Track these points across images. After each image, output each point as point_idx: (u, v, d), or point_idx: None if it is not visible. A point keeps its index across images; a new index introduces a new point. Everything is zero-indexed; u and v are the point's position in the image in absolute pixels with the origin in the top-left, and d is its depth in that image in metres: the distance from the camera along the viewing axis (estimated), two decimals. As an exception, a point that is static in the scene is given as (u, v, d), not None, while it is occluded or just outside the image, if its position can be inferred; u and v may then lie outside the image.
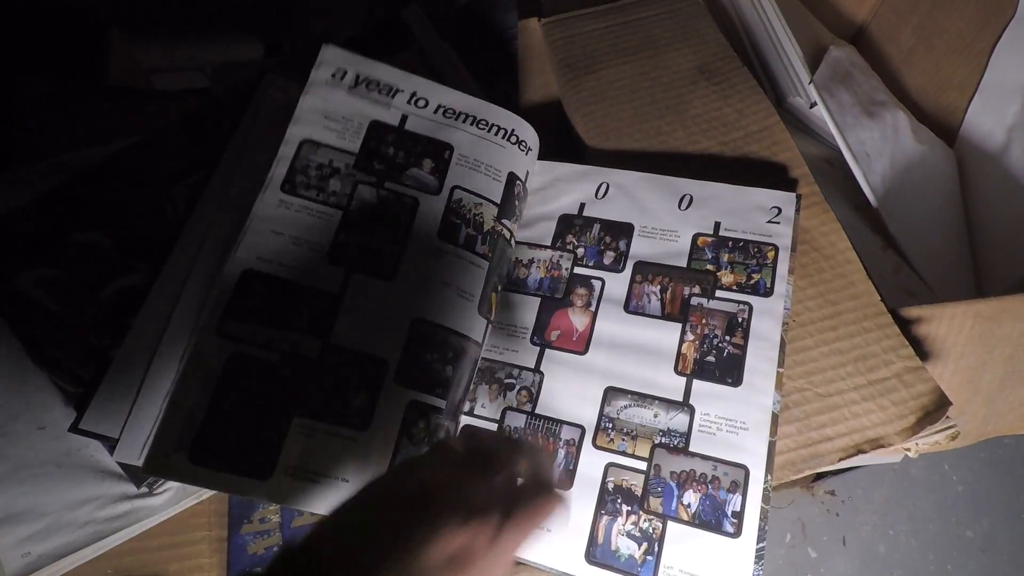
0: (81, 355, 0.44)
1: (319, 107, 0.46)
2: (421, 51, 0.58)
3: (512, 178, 0.48)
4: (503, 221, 0.47)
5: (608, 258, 0.48)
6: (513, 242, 0.48)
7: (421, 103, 0.48)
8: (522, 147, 0.49)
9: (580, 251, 0.49)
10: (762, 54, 0.63)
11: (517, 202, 0.48)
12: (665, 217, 0.49)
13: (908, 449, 0.43)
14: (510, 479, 0.31)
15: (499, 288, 0.46)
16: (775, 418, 0.41)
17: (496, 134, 0.49)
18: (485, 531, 0.27)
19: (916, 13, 0.74)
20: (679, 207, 0.49)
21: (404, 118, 0.47)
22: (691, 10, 0.61)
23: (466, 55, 0.59)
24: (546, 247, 0.50)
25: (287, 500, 0.37)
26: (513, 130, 0.49)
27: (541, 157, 0.53)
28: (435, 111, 0.48)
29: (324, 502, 0.37)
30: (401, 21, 0.58)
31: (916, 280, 0.59)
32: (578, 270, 0.48)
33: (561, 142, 0.58)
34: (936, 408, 0.42)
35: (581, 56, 0.59)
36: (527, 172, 0.50)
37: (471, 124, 0.48)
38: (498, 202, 0.47)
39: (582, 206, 0.51)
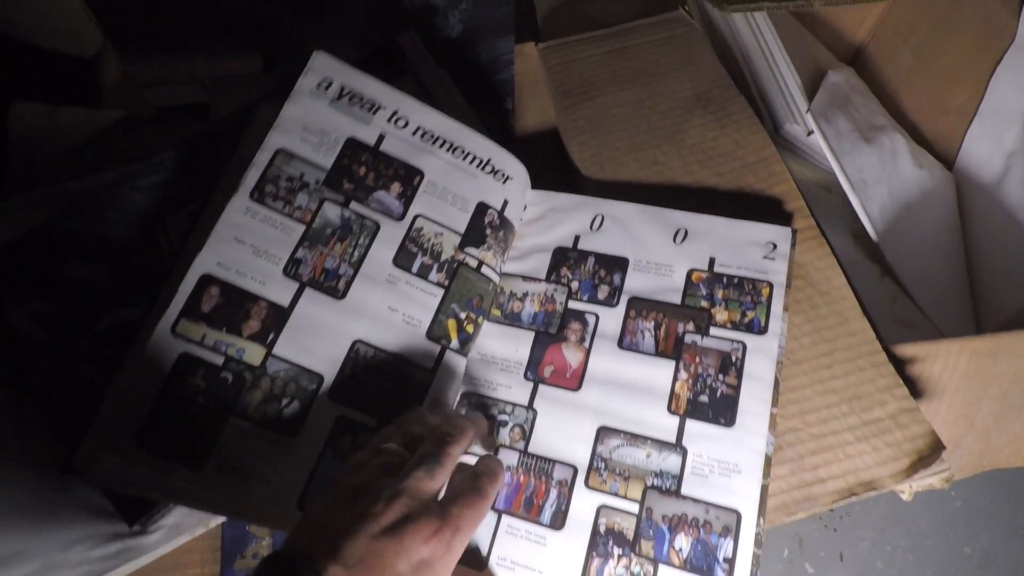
0: (75, 391, 0.43)
1: (300, 117, 0.47)
2: (416, 77, 0.57)
3: (482, 208, 0.49)
4: (468, 250, 0.47)
5: (602, 292, 0.48)
6: (492, 270, 0.49)
7: (401, 123, 0.49)
8: (498, 176, 0.50)
9: (574, 285, 0.49)
10: (760, 80, 0.63)
11: (490, 231, 0.49)
12: (659, 251, 0.49)
13: (902, 491, 0.43)
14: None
15: (464, 315, 0.46)
16: (768, 460, 0.41)
17: (471, 163, 0.49)
18: (406, 508, 0.34)
19: (915, 35, 0.73)
20: (674, 241, 0.49)
21: (381, 137, 0.48)
22: (689, 36, 0.61)
23: (462, 81, 0.59)
24: (540, 280, 0.50)
25: (215, 492, 0.40)
26: (489, 159, 0.50)
27: (538, 186, 0.53)
28: (414, 133, 0.49)
29: (248, 501, 0.40)
30: (397, 47, 0.58)
31: (913, 309, 0.59)
32: (572, 304, 0.48)
33: (558, 168, 0.58)
34: (930, 452, 0.42)
35: (578, 82, 0.59)
36: (505, 201, 0.50)
37: (447, 151, 0.49)
38: (462, 232, 0.48)
39: (577, 238, 0.51)
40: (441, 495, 0.37)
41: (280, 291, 0.43)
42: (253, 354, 0.42)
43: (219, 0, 0.92)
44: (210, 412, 0.41)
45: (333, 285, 0.44)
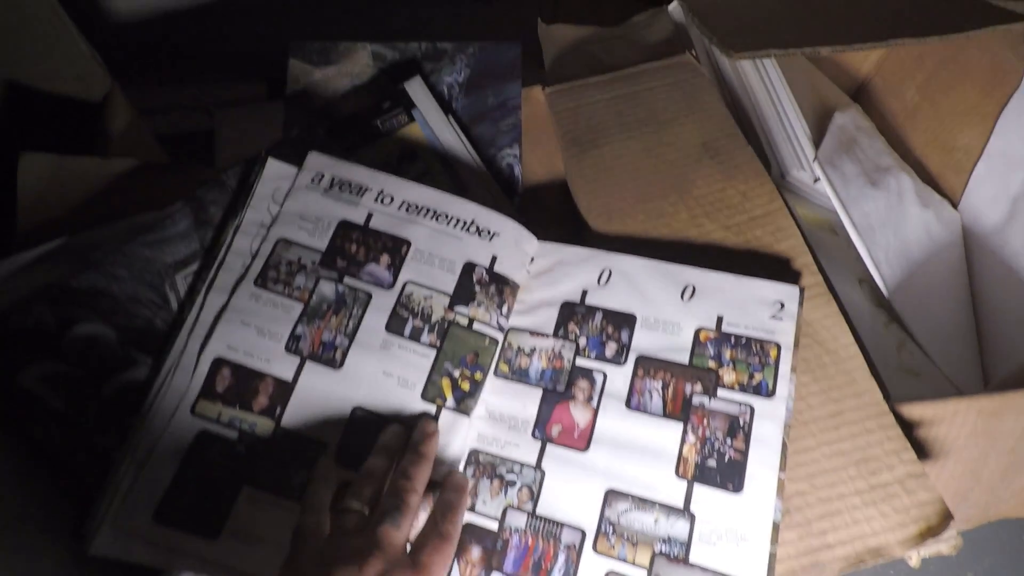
0: (85, 456, 0.44)
1: (297, 210, 0.51)
2: (424, 124, 0.58)
3: (469, 267, 0.51)
4: (457, 308, 0.49)
5: (610, 350, 0.48)
6: (486, 325, 0.49)
7: (387, 200, 0.52)
8: (483, 235, 0.52)
9: (582, 341, 0.49)
10: (767, 125, 0.63)
11: (480, 287, 0.50)
12: (667, 308, 0.49)
13: (910, 557, 0.43)
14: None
15: (458, 372, 0.47)
16: (776, 527, 0.41)
17: (455, 226, 0.52)
18: (380, 566, 0.36)
19: (921, 70, 0.73)
20: (681, 298, 0.49)
21: (370, 215, 0.51)
22: (696, 82, 0.61)
23: (469, 126, 0.59)
24: (548, 336, 0.50)
25: (230, 559, 0.42)
26: (473, 220, 0.52)
27: (547, 234, 0.53)
28: (399, 207, 0.52)
29: (264, 564, 0.42)
30: (403, 93, 0.58)
31: (920, 356, 0.59)
32: (580, 362, 0.48)
33: (567, 215, 0.58)
34: (939, 521, 0.42)
35: (585, 129, 0.59)
36: (493, 257, 0.51)
37: (431, 218, 0.52)
38: (450, 292, 0.50)
39: (584, 293, 0.51)
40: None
41: (283, 367, 0.46)
42: (263, 427, 0.45)
43: (224, 29, 0.92)
44: (225, 484, 0.43)
45: (331, 356, 0.47)
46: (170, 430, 0.44)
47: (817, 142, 0.62)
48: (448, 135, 0.58)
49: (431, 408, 0.46)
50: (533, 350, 0.49)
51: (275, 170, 0.52)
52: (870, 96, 0.79)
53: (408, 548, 0.39)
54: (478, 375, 0.48)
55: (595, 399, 0.47)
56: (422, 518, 0.42)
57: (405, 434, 0.45)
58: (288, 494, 0.43)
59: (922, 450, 0.46)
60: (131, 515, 0.42)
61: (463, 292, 0.50)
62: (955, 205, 0.71)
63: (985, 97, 0.67)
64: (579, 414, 0.47)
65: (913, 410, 0.46)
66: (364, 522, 0.39)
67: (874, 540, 0.42)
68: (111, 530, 0.41)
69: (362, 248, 0.50)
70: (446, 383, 0.47)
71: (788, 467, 0.44)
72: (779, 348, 0.46)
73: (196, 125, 0.97)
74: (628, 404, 0.46)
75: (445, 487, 0.43)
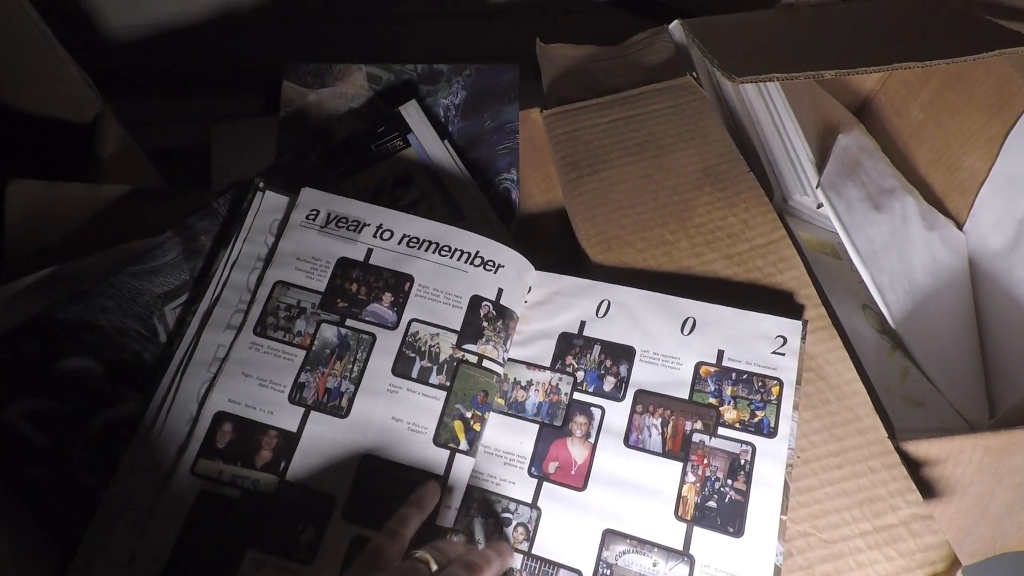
0: (70, 495, 0.43)
1: (293, 250, 0.49)
2: (419, 148, 0.56)
3: (476, 301, 0.49)
4: (466, 347, 0.47)
5: (608, 384, 0.47)
6: (495, 362, 0.48)
7: (387, 235, 0.50)
8: (489, 267, 0.50)
9: (580, 375, 0.48)
10: (770, 150, 0.61)
11: (487, 323, 0.48)
12: (667, 342, 0.48)
13: (915, 603, 0.42)
14: None
15: (470, 413, 0.46)
16: (778, 571, 0.40)
17: (459, 259, 0.50)
18: None
19: (925, 90, 0.72)
20: (681, 331, 0.48)
21: (369, 252, 0.49)
22: (697, 105, 0.60)
23: (466, 150, 0.58)
24: (545, 368, 0.49)
25: None
26: (477, 251, 0.50)
27: (544, 261, 0.52)
28: (399, 242, 0.50)
29: None
30: (399, 116, 0.57)
31: (925, 384, 0.58)
32: (578, 396, 0.47)
33: (565, 242, 0.57)
34: (946, 567, 0.41)
35: (583, 153, 0.58)
36: (499, 290, 0.50)
37: (433, 252, 0.50)
38: (458, 329, 0.48)
39: (582, 324, 0.50)
40: None
41: (287, 418, 0.44)
42: (267, 484, 0.43)
43: (221, 43, 0.92)
44: (228, 548, 0.41)
45: (336, 404, 0.45)
46: (170, 491, 0.42)
47: (820, 163, 0.61)
48: (444, 160, 0.57)
49: (444, 454, 0.44)
50: (530, 383, 0.48)
51: (273, 202, 0.51)
52: (874, 113, 0.78)
53: None
54: (487, 415, 0.47)
55: (593, 435, 0.46)
56: None
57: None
58: (295, 556, 0.41)
59: (928, 488, 0.45)
60: None
61: (471, 328, 0.48)
62: (960, 226, 0.70)
63: (991, 118, 0.66)
64: (576, 451, 0.46)
65: (919, 448, 0.45)
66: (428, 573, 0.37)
67: (878, 585, 0.41)
68: None
69: (363, 287, 0.48)
70: (459, 426, 0.45)
71: (790, 508, 0.43)
72: (781, 384, 0.45)
73: (192, 139, 0.96)
74: (627, 441, 0.45)
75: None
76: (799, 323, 0.47)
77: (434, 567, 0.37)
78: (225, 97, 0.97)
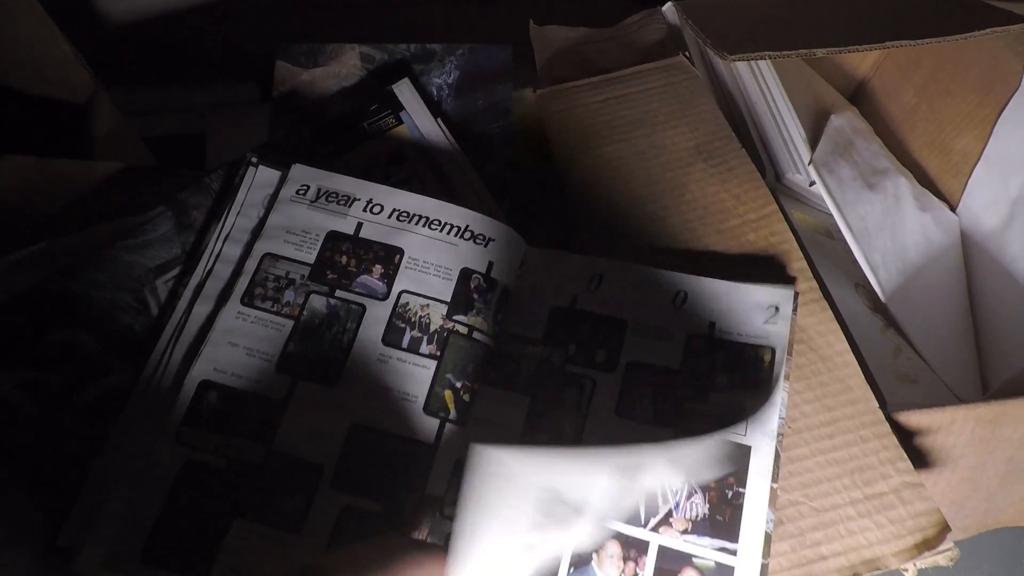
0: (60, 465, 0.43)
1: (282, 223, 0.49)
2: (412, 127, 0.57)
3: (466, 273, 0.49)
4: (456, 317, 0.47)
5: (600, 356, 0.47)
6: (484, 335, 0.48)
7: (376, 209, 0.50)
8: (479, 241, 0.50)
9: (571, 348, 0.48)
10: (763, 129, 0.62)
11: (477, 295, 0.48)
12: (658, 315, 0.48)
13: (905, 570, 0.42)
14: None
15: (460, 384, 0.46)
16: (768, 538, 0.40)
17: (448, 232, 0.50)
18: None
19: (919, 73, 0.73)
20: (673, 304, 0.48)
21: (359, 225, 0.50)
22: (690, 84, 0.60)
23: (459, 129, 0.58)
24: (537, 342, 0.49)
25: None
26: (467, 225, 0.50)
27: (536, 239, 0.52)
28: (389, 215, 0.50)
29: None
30: (392, 95, 0.57)
31: (917, 362, 0.58)
32: (569, 368, 0.47)
33: (558, 220, 0.57)
34: (936, 533, 0.41)
35: (577, 132, 0.58)
36: (489, 263, 0.50)
37: (423, 226, 0.50)
38: (448, 300, 0.48)
39: (574, 298, 0.50)
40: None
41: (275, 387, 0.44)
42: (254, 453, 0.43)
43: (216, 30, 0.92)
44: (214, 517, 0.41)
45: (325, 373, 0.45)
46: (155, 459, 0.42)
47: (813, 145, 0.61)
48: (437, 138, 0.57)
49: (435, 423, 0.44)
50: (522, 356, 0.48)
51: (266, 176, 0.51)
52: (868, 98, 0.78)
53: None
54: (477, 386, 0.47)
55: (583, 407, 0.46)
56: None
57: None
58: (282, 524, 0.41)
59: (919, 459, 0.45)
60: (118, 556, 0.40)
61: (461, 300, 0.48)
62: (953, 209, 0.70)
63: (984, 99, 0.66)
64: (567, 423, 0.46)
65: (910, 418, 0.45)
66: None
67: (869, 552, 0.41)
68: (97, 569, 0.39)
69: (353, 259, 0.48)
70: (449, 396, 0.45)
71: (781, 476, 0.43)
72: (773, 352, 0.45)
73: (186, 127, 0.96)
74: (618, 412, 0.45)
75: None
76: (791, 291, 0.47)
77: None
78: (220, 85, 0.97)
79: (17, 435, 0.43)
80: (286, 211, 0.50)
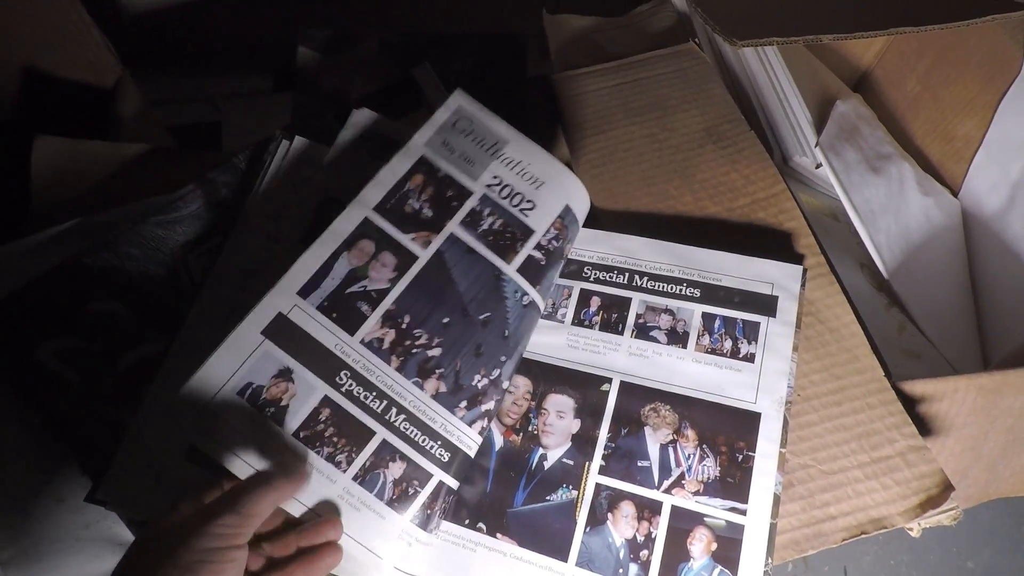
0: (99, 427, 0.44)
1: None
2: (431, 110, 0.58)
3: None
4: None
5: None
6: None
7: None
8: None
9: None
10: (770, 113, 0.63)
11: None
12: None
13: (911, 528, 0.44)
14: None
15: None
16: (777, 499, 0.42)
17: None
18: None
19: (922, 62, 0.74)
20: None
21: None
22: (699, 69, 0.62)
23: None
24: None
25: None
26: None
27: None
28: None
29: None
30: (412, 79, 0.59)
31: (921, 339, 0.59)
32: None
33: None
34: (939, 492, 0.42)
35: (590, 115, 0.60)
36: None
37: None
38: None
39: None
40: None
41: None
42: None
43: (232, 21, 0.93)
44: None
45: None
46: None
47: (819, 129, 0.63)
48: (455, 121, 0.59)
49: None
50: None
51: (301, 151, 0.52)
52: (871, 87, 0.80)
53: None
54: None
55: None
56: None
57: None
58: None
59: (923, 426, 0.47)
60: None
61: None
62: (955, 194, 0.71)
63: (985, 86, 0.68)
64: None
65: (914, 387, 0.47)
66: None
67: (876, 511, 0.43)
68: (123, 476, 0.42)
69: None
70: None
71: (791, 441, 0.45)
72: (781, 327, 0.47)
73: (202, 117, 0.97)
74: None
75: None
76: (799, 268, 0.49)
77: None
78: (235, 75, 0.99)
79: (58, 400, 0.45)
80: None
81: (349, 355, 0.43)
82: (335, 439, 0.41)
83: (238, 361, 0.41)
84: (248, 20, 0.93)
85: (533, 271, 0.47)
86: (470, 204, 0.47)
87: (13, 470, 0.44)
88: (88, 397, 0.45)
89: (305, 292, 0.43)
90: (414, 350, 0.44)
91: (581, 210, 0.51)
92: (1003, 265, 0.63)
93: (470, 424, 0.44)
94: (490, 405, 0.45)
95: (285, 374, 0.41)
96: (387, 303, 0.44)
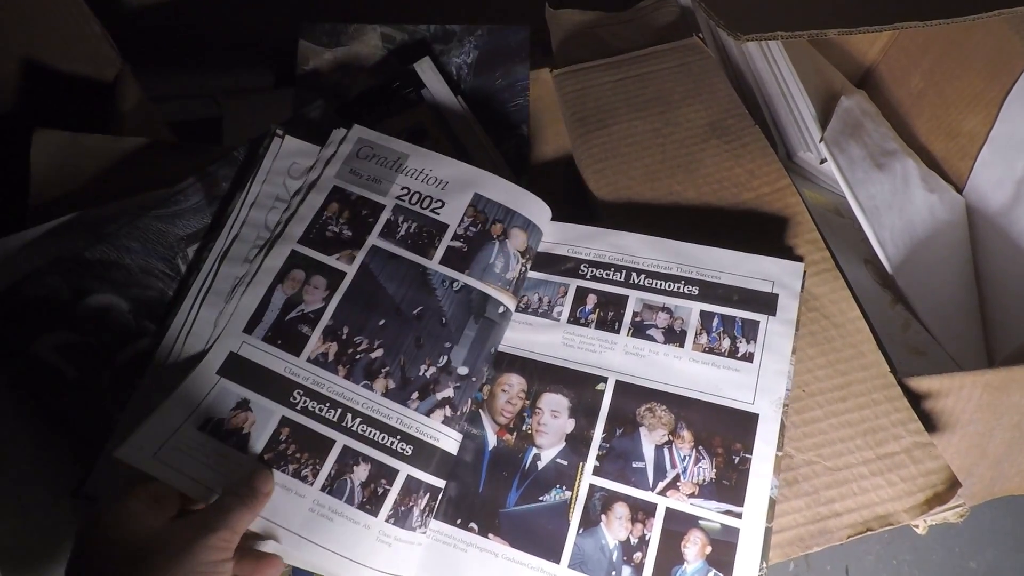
0: (97, 421, 0.44)
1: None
2: (433, 104, 0.58)
3: None
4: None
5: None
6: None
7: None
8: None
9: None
10: (774, 108, 0.63)
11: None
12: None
13: (916, 525, 0.43)
14: None
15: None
16: (772, 503, 0.42)
17: None
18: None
19: (926, 58, 0.74)
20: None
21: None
22: (703, 64, 0.61)
23: (478, 107, 0.60)
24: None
25: None
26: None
27: (553, 216, 0.54)
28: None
29: None
30: (413, 73, 0.58)
31: (925, 336, 0.59)
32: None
33: (574, 195, 0.59)
34: (946, 489, 0.42)
35: (593, 110, 0.59)
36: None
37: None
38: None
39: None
40: None
41: None
42: None
43: (232, 17, 0.93)
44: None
45: None
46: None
47: (823, 125, 0.63)
48: (457, 115, 0.58)
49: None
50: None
51: (292, 147, 0.52)
52: (876, 83, 0.80)
53: None
54: None
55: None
56: None
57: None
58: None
59: (928, 423, 0.46)
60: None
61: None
62: (960, 191, 0.71)
63: (990, 82, 0.67)
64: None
65: (920, 383, 0.46)
66: None
67: (881, 508, 0.43)
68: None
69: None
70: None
71: (796, 438, 0.44)
72: (780, 326, 0.46)
73: (202, 113, 0.97)
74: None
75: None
76: (800, 266, 0.48)
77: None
78: (235, 72, 0.99)
79: (56, 394, 0.44)
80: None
81: (298, 375, 0.45)
82: (298, 455, 0.42)
83: (195, 401, 0.43)
84: (248, 16, 0.93)
85: (457, 259, 0.49)
86: (384, 216, 0.50)
87: (12, 465, 0.43)
88: (86, 391, 0.45)
89: (250, 328, 0.46)
90: (357, 356, 0.46)
91: (493, 191, 0.52)
92: (1008, 261, 0.63)
93: (427, 414, 0.45)
94: (447, 393, 0.45)
95: (243, 405, 0.44)
96: (325, 319, 0.47)
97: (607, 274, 0.50)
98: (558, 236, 0.53)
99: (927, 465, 0.43)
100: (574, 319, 0.49)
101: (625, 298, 0.49)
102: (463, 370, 0.46)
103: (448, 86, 0.59)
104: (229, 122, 0.94)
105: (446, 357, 0.46)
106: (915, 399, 0.46)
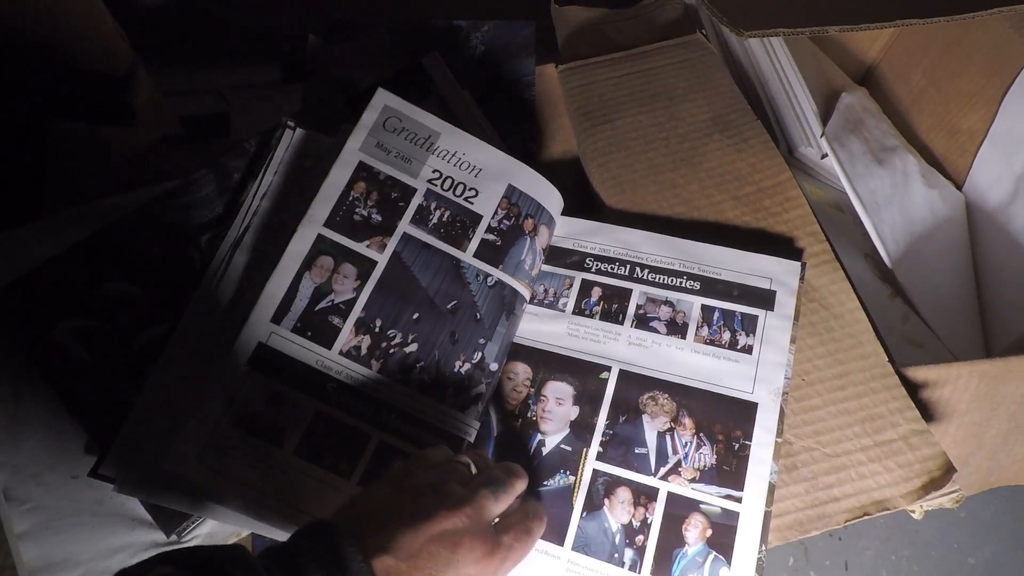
0: (113, 406, 0.45)
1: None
2: (441, 98, 0.59)
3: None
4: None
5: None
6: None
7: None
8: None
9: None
10: (775, 103, 0.64)
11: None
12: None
13: (913, 511, 0.44)
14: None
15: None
16: (772, 487, 0.43)
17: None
18: (468, 521, 0.35)
19: (927, 56, 0.75)
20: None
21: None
22: (706, 60, 0.62)
23: (484, 101, 0.61)
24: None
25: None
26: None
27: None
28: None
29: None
30: (421, 68, 0.59)
31: (924, 329, 0.60)
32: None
33: (578, 188, 0.60)
34: (942, 474, 0.43)
35: (597, 105, 0.60)
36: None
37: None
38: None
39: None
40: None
41: None
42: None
43: (241, 13, 0.94)
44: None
45: None
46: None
47: (824, 121, 0.64)
48: (463, 109, 0.59)
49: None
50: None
51: (303, 138, 0.53)
52: (877, 81, 0.81)
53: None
54: None
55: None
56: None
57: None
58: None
59: (925, 412, 0.47)
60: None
61: None
62: (959, 187, 0.72)
63: (990, 79, 0.68)
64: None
65: (917, 372, 0.47)
66: (468, 479, 0.38)
67: (879, 493, 0.43)
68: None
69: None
70: None
71: (795, 425, 0.45)
72: (779, 321, 0.47)
73: (211, 108, 0.98)
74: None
75: (535, 502, 0.43)
76: (797, 265, 0.49)
77: (474, 470, 0.39)
78: (244, 67, 1.00)
79: (74, 378, 0.45)
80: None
81: (331, 368, 0.44)
82: (334, 449, 0.42)
83: (230, 396, 0.43)
84: (257, 11, 0.94)
85: (491, 253, 0.48)
86: (416, 201, 0.48)
87: (30, 446, 0.44)
88: (103, 376, 0.46)
89: (277, 318, 0.45)
90: (391, 350, 0.45)
91: (525, 183, 0.51)
92: (1006, 257, 0.64)
93: (463, 410, 0.45)
94: (480, 389, 0.46)
95: (276, 398, 0.43)
96: (357, 311, 0.45)
97: (612, 268, 0.51)
98: (564, 229, 0.54)
99: (923, 452, 0.44)
100: (579, 310, 0.50)
101: (629, 291, 0.50)
102: (494, 366, 0.47)
103: (455, 80, 0.60)
104: (237, 117, 0.95)
105: (480, 354, 0.46)
106: (912, 388, 0.47)
